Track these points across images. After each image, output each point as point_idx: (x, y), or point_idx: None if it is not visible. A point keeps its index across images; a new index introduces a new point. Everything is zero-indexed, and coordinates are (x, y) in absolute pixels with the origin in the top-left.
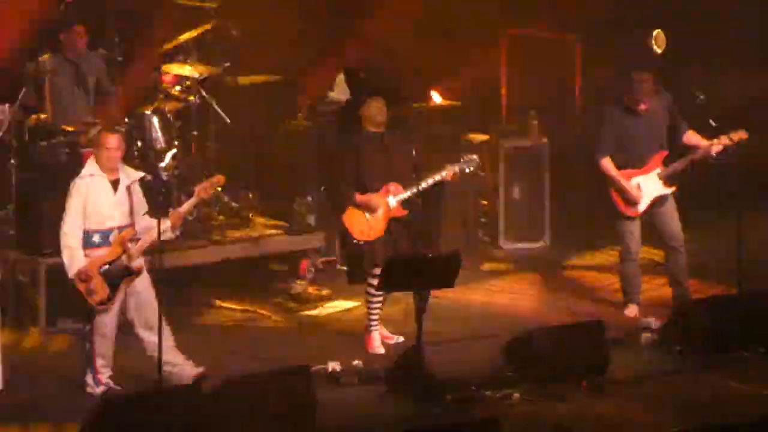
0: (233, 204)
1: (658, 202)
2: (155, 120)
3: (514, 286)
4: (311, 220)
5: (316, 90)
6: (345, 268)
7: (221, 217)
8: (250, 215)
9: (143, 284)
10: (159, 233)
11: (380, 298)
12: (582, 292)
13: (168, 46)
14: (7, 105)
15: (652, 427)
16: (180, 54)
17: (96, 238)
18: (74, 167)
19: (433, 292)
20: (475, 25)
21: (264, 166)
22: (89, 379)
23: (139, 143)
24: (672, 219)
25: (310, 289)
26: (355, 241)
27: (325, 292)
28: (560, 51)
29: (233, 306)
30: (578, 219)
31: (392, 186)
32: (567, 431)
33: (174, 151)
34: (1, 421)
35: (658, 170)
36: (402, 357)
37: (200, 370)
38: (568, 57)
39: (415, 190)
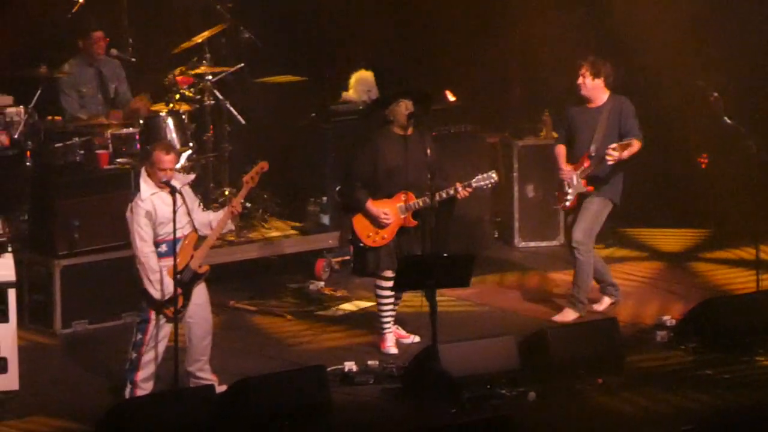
0: (248, 205)
1: (583, 200)
2: (170, 121)
3: (529, 285)
4: (326, 220)
5: (330, 90)
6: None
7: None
8: (266, 216)
9: (202, 296)
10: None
11: (390, 299)
12: (597, 290)
13: (182, 47)
14: (21, 107)
15: (667, 424)
16: (194, 55)
17: (163, 248)
18: (89, 168)
19: (449, 292)
20: (488, 23)
21: (279, 167)
22: (126, 391)
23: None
24: (581, 220)
25: (326, 290)
26: (362, 245)
27: (340, 292)
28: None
29: (249, 307)
30: None
31: (405, 195)
32: (582, 430)
33: (189, 152)
34: (16, 421)
35: (582, 168)
36: (417, 356)
37: (224, 388)
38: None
39: (428, 202)
